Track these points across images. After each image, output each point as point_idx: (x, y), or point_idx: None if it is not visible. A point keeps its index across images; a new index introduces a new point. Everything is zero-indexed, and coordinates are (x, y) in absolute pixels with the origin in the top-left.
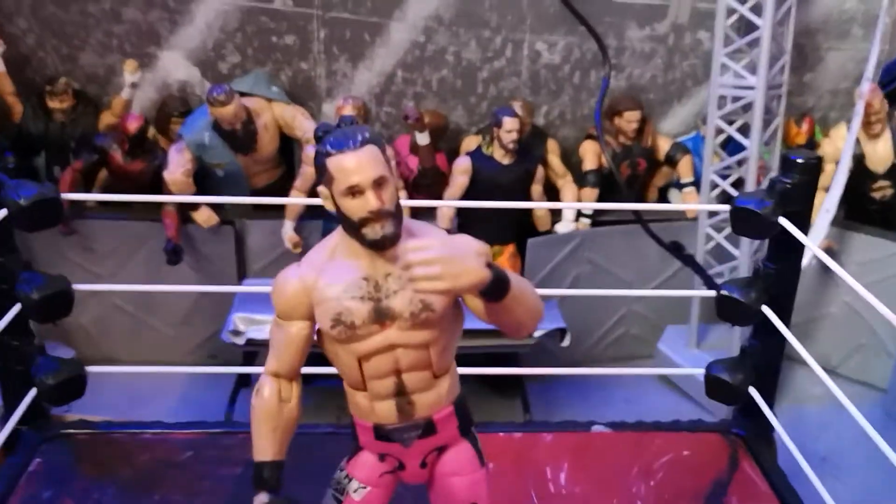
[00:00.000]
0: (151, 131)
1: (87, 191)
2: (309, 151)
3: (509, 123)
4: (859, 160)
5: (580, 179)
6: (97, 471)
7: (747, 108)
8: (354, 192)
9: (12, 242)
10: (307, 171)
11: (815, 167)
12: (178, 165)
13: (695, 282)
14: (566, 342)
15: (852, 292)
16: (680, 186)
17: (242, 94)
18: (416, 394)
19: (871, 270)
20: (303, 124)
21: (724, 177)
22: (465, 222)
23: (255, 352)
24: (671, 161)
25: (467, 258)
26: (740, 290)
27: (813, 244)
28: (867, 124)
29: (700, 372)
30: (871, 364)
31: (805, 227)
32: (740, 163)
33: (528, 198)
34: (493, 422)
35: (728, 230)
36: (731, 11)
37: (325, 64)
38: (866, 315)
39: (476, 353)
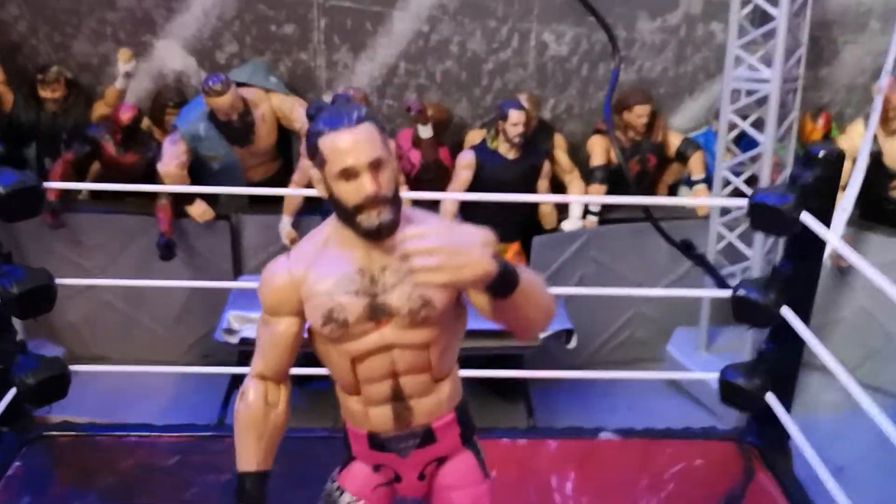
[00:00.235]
0: (145, 122)
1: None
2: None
3: (515, 116)
4: (876, 157)
5: (587, 176)
6: (79, 476)
7: (762, 102)
8: (349, 174)
9: None
10: (306, 165)
11: (837, 161)
12: (172, 157)
13: (705, 283)
14: (573, 344)
15: (867, 296)
16: (691, 184)
17: (240, 85)
18: (415, 399)
19: (887, 272)
20: (301, 116)
21: (737, 174)
22: (469, 219)
23: (250, 351)
24: (682, 157)
25: (472, 248)
26: (758, 291)
27: (838, 243)
28: (885, 120)
29: (711, 377)
30: (886, 370)
31: (827, 223)
32: (754, 159)
33: (533, 194)
34: (494, 427)
35: (741, 229)
36: (745, 2)
37: (326, 54)
38: (882, 319)
39: (477, 354)
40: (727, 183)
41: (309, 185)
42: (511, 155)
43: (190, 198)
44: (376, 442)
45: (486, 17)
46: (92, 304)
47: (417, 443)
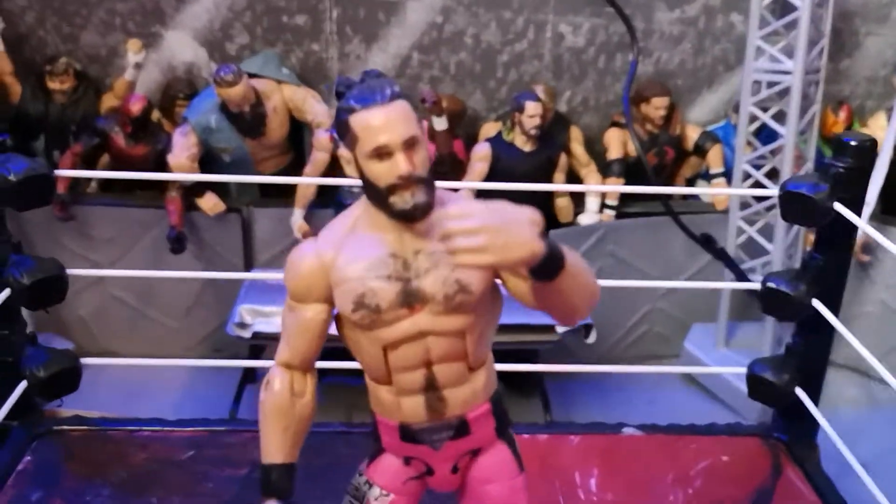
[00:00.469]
0: (155, 114)
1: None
2: (320, 136)
3: (532, 108)
4: None
5: (604, 169)
6: (90, 470)
7: (783, 94)
8: (382, 153)
9: (2, 223)
10: (318, 157)
11: (870, 150)
12: (182, 149)
13: (725, 278)
14: (592, 338)
15: (888, 290)
16: (709, 177)
17: (251, 76)
18: (449, 389)
19: None
20: (314, 108)
21: (757, 167)
22: None
23: (262, 345)
24: (700, 150)
25: (518, 227)
26: (788, 283)
27: (874, 233)
28: None
29: (731, 372)
30: None
31: (859, 213)
32: (774, 152)
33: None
34: (515, 422)
35: (761, 223)
36: None
37: (338, 45)
38: None
39: (493, 349)
40: (747, 176)
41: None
42: (527, 148)
43: (200, 190)
44: (408, 434)
45: (501, 8)
46: (101, 298)
47: (451, 434)
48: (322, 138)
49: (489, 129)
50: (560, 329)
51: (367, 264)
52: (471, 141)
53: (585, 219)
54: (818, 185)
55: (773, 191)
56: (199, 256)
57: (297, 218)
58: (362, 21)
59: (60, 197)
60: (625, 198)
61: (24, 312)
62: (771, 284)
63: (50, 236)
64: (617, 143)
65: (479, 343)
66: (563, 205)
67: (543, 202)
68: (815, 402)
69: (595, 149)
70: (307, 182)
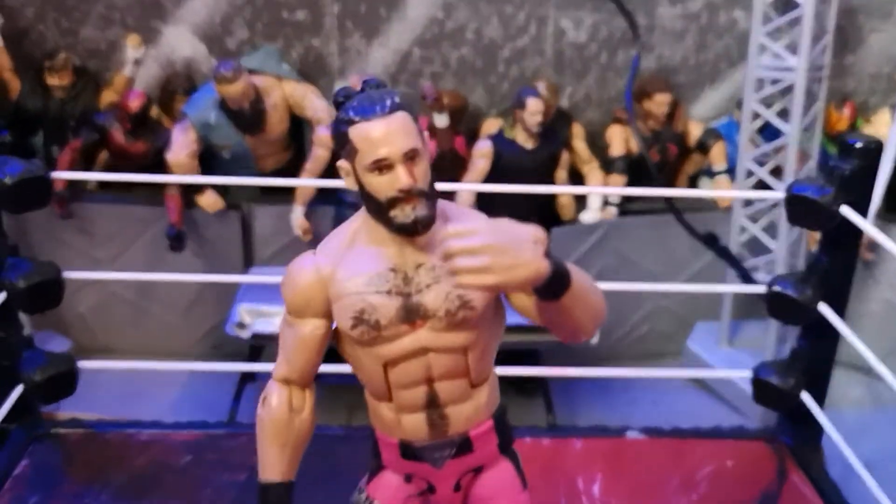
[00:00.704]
0: (155, 110)
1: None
2: (320, 133)
3: (533, 104)
4: None
5: (607, 166)
6: (88, 474)
7: (786, 91)
8: (382, 166)
9: None
10: (318, 154)
11: (875, 151)
12: (181, 146)
13: (727, 276)
14: (595, 339)
15: (892, 289)
16: (712, 175)
17: (251, 72)
18: (451, 406)
19: None
20: (314, 104)
21: (761, 164)
22: (485, 209)
23: (261, 346)
24: (703, 147)
25: (522, 247)
26: (794, 286)
27: (883, 239)
28: None
29: (741, 375)
30: None
31: (865, 216)
32: (778, 150)
33: (551, 184)
34: (516, 426)
35: (764, 221)
36: None
37: (339, 40)
38: None
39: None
40: (750, 174)
41: (322, 175)
42: (529, 144)
43: (200, 188)
44: (409, 451)
45: (502, 3)
46: (100, 294)
47: (453, 452)
48: (322, 135)
49: (490, 125)
50: None
51: (366, 279)
52: (472, 137)
53: (587, 216)
54: (824, 188)
55: (775, 194)
56: (199, 254)
57: (298, 215)
58: (363, 16)
59: (60, 194)
60: (627, 195)
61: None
62: (777, 288)
63: (50, 233)
64: (619, 140)
65: (482, 359)
66: (565, 202)
67: (545, 199)
68: (821, 405)
69: (597, 145)
70: (307, 183)
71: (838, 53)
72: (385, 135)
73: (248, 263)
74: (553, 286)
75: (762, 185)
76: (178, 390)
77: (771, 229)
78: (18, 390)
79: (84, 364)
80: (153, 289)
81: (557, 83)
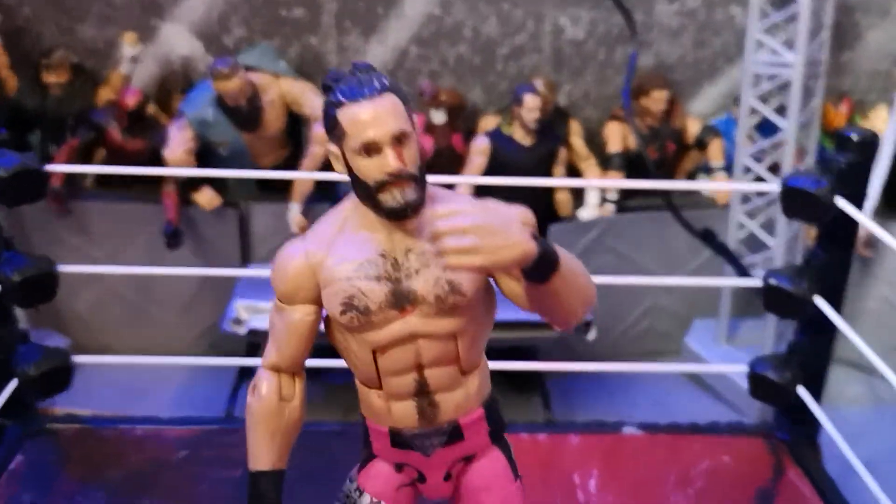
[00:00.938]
0: (152, 108)
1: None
2: (317, 130)
3: (531, 101)
4: None
5: (604, 163)
6: (84, 471)
7: (784, 87)
8: (370, 149)
9: None
10: (315, 151)
11: (871, 144)
12: (178, 143)
13: (725, 273)
14: (592, 335)
15: (890, 285)
16: (709, 171)
17: (248, 69)
18: (441, 393)
19: None
20: (311, 101)
21: (758, 160)
22: None
23: (258, 343)
24: (701, 144)
25: (510, 227)
26: (790, 280)
27: (879, 231)
28: None
29: (738, 370)
30: None
31: (861, 209)
32: (775, 146)
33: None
34: (512, 422)
35: (762, 217)
36: None
37: (336, 38)
38: None
39: (490, 346)
40: (748, 170)
41: (322, 170)
42: (526, 141)
43: (197, 185)
44: (399, 440)
45: (500, 1)
46: (99, 293)
47: (444, 440)
48: (320, 132)
49: (488, 122)
50: None
51: (355, 265)
52: (470, 135)
53: (585, 213)
54: (819, 181)
55: (770, 185)
56: (196, 251)
57: (295, 212)
58: (361, 14)
59: (56, 191)
60: (625, 192)
61: (19, 309)
62: (772, 281)
63: (47, 231)
64: (617, 137)
65: (472, 346)
66: (562, 198)
67: (543, 196)
68: (818, 400)
69: (595, 142)
70: (304, 177)
71: (835, 51)
72: (373, 117)
73: (245, 261)
74: (541, 268)
75: (760, 182)
76: (175, 388)
77: (769, 226)
78: (13, 385)
79: (79, 359)
80: (151, 288)
81: (555, 80)
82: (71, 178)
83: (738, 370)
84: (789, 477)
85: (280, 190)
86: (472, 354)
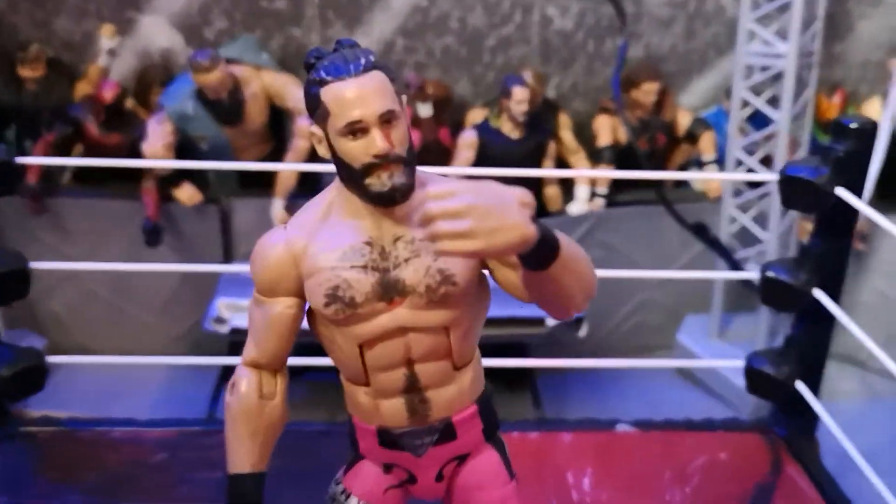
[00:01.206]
0: (130, 102)
1: (61, 166)
2: (301, 123)
3: (519, 93)
4: (895, 135)
5: (594, 156)
6: (59, 474)
7: (776, 78)
8: (356, 130)
9: None
10: (299, 146)
11: (871, 132)
12: (158, 138)
13: (717, 267)
14: (583, 332)
15: (884, 278)
16: (701, 164)
17: (229, 61)
18: (432, 390)
19: None
20: (294, 94)
21: (750, 153)
22: None
23: (240, 342)
24: (692, 137)
25: (507, 209)
26: (788, 272)
27: (882, 220)
28: None
29: (734, 365)
30: None
31: (861, 198)
32: (768, 138)
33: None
34: (503, 420)
35: (754, 211)
36: None
37: (320, 30)
38: None
39: (479, 343)
40: (740, 163)
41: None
42: (515, 134)
43: (177, 181)
44: (388, 439)
45: None
46: (76, 292)
47: (435, 439)
48: (303, 126)
49: (476, 115)
50: (550, 322)
51: (340, 253)
52: (457, 128)
53: (575, 207)
54: (819, 169)
55: (769, 175)
56: (177, 249)
57: (278, 208)
58: (345, 5)
59: (32, 188)
60: (615, 185)
61: None
62: (770, 273)
63: (22, 229)
64: (607, 130)
65: (466, 339)
66: (551, 193)
67: (532, 190)
68: (816, 395)
69: (584, 135)
70: (288, 169)
71: (828, 41)
72: (359, 95)
73: (227, 259)
74: (541, 253)
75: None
76: (155, 389)
77: (761, 219)
78: None
79: (53, 359)
80: (130, 287)
81: (544, 72)
82: (47, 175)
83: (734, 365)
84: (787, 472)
85: (263, 185)
86: (466, 348)
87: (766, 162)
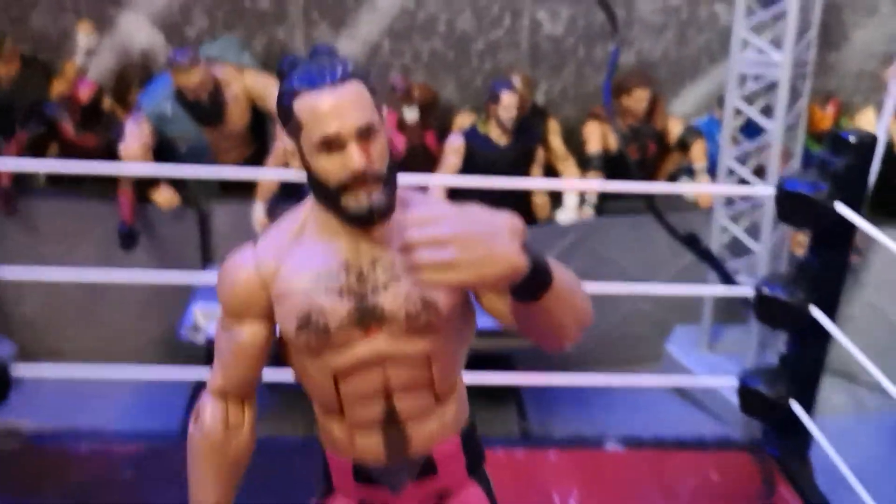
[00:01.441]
0: (108, 102)
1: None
2: None
3: (508, 98)
4: (888, 148)
5: (583, 163)
6: (21, 491)
7: (770, 87)
8: (332, 145)
9: None
10: (281, 149)
11: (870, 147)
12: (135, 138)
13: (708, 278)
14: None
15: (875, 291)
16: (691, 173)
17: (211, 61)
18: (412, 423)
19: None
20: None
21: (742, 163)
22: None
23: None
24: (683, 145)
25: (495, 238)
26: (784, 289)
27: (882, 238)
28: None
29: (726, 384)
30: None
31: (859, 214)
32: (760, 148)
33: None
34: (487, 436)
35: (746, 222)
36: None
37: (304, 31)
38: (892, 316)
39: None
40: (731, 172)
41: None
42: (503, 140)
43: (155, 183)
44: (363, 474)
45: None
46: (47, 295)
47: (414, 475)
48: None
49: (463, 120)
50: None
51: (313, 276)
52: (444, 133)
53: (563, 215)
54: (818, 185)
55: (763, 189)
56: (153, 253)
57: (259, 212)
58: (330, 6)
59: (5, 189)
60: (605, 193)
61: None
62: (766, 290)
63: None
64: (596, 137)
65: (448, 369)
66: (540, 201)
67: (520, 198)
68: (810, 414)
69: (574, 142)
70: (269, 174)
71: (822, 50)
72: (335, 107)
73: (206, 263)
74: (531, 285)
75: (744, 185)
76: (127, 397)
77: (753, 230)
78: None
79: (22, 368)
80: (103, 289)
81: (533, 78)
82: (20, 177)
83: (726, 384)
84: (781, 493)
85: (243, 188)
86: (448, 378)
87: (759, 172)
